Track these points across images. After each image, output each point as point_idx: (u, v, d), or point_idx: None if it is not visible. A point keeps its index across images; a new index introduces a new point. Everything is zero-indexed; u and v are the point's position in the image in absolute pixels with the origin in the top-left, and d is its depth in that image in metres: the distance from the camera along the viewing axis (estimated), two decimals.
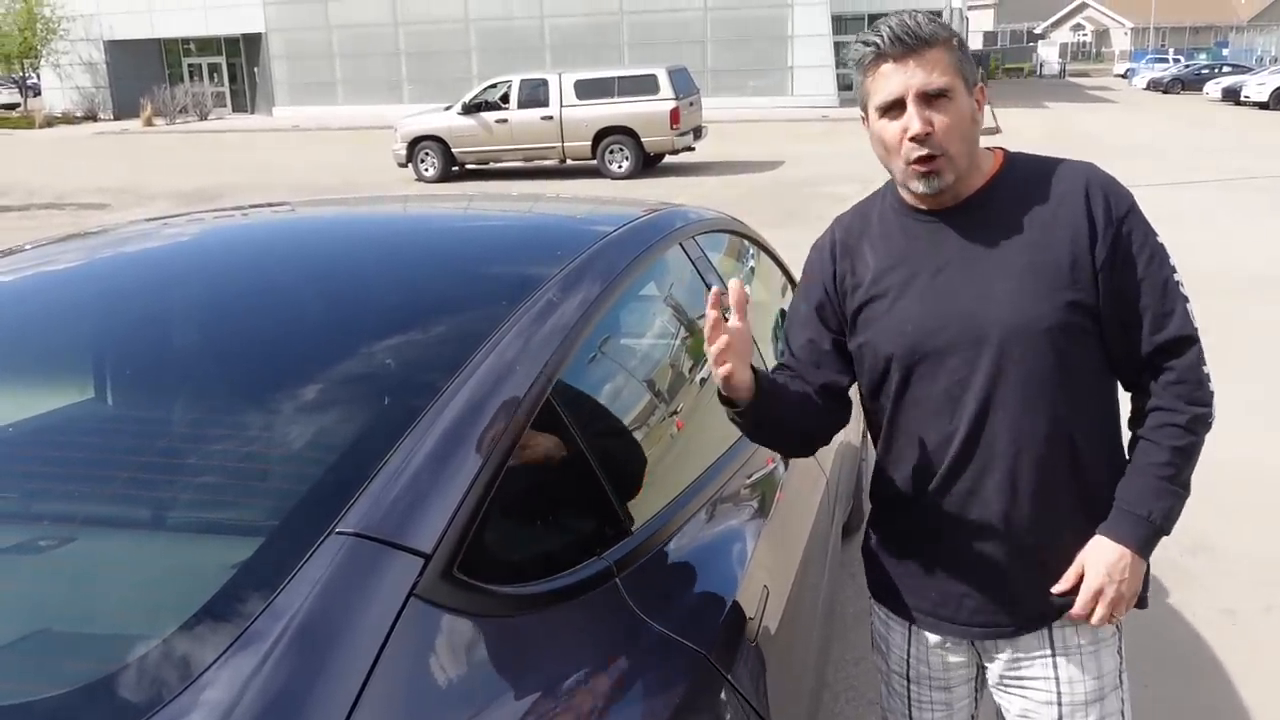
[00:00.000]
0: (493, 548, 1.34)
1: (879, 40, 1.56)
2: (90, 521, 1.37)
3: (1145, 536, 1.63)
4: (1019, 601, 1.71)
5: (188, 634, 1.12)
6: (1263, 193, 13.62)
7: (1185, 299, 1.63)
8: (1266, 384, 6.09)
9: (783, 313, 3.16)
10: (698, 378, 2.37)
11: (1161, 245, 1.63)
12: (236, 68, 38.56)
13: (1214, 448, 5.42)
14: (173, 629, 1.12)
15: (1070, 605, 1.66)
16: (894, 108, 1.57)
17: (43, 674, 1.12)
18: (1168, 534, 1.65)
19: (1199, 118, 28.52)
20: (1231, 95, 34.19)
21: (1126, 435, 1.72)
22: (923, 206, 1.66)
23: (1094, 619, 1.64)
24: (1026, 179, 1.65)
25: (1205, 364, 1.63)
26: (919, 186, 1.60)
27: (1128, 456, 1.69)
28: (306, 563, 1.16)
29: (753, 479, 2.14)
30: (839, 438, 3.02)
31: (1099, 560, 1.63)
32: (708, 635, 1.53)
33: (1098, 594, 1.62)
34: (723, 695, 1.50)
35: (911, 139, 1.56)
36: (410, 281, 1.95)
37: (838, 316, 1.75)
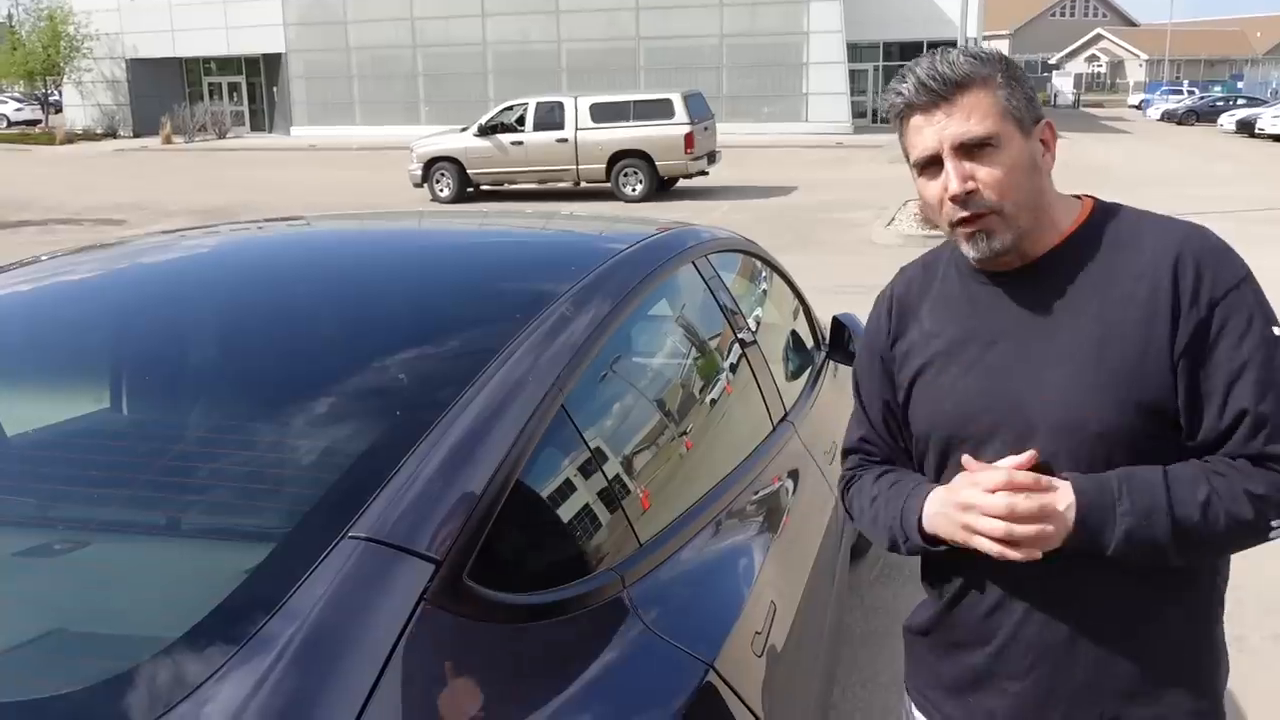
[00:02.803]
0: (503, 556, 1.35)
1: (905, 89, 1.36)
2: (107, 526, 1.40)
3: (1097, 505, 1.29)
4: None
5: (199, 636, 1.13)
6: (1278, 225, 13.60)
7: None
8: None
9: (794, 334, 3.18)
10: (708, 397, 2.38)
11: (1276, 339, 1.31)
12: (256, 87, 38.91)
13: None
14: (184, 631, 1.14)
15: None
16: (932, 164, 1.36)
17: (56, 673, 1.14)
18: (1107, 542, 1.29)
19: (1213, 150, 28.52)
20: (1246, 127, 34.18)
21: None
22: (985, 267, 1.42)
23: (1011, 529, 1.29)
24: (1116, 239, 1.38)
25: None
26: (970, 251, 1.37)
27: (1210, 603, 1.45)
28: (318, 566, 1.18)
29: (760, 496, 2.15)
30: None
31: (1069, 493, 1.31)
32: (714, 648, 1.54)
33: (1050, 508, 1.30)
34: (729, 709, 1.51)
35: (952, 199, 1.34)
36: (425, 295, 1.97)
37: (893, 379, 1.53)
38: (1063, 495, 1.30)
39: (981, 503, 1.29)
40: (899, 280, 1.58)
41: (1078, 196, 1.47)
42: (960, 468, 1.38)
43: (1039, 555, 1.29)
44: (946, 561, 1.45)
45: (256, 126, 39.02)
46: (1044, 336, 1.37)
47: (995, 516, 1.28)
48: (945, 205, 1.36)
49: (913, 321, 1.51)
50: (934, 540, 1.39)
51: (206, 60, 38.74)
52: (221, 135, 36.22)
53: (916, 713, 1.61)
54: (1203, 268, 1.32)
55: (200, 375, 1.71)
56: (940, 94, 1.33)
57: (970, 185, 1.33)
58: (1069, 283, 1.37)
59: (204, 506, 1.41)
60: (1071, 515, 1.29)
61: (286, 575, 1.18)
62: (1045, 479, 1.31)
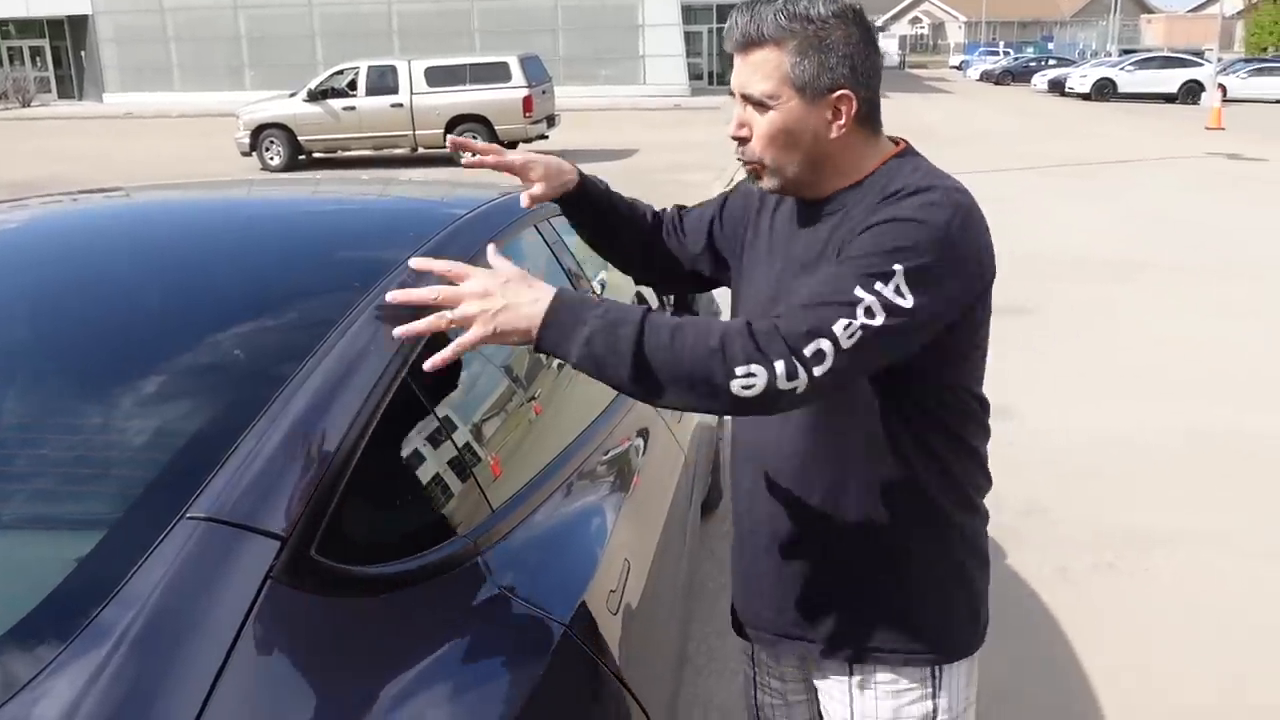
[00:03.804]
0: (351, 529, 1.33)
1: (727, 30, 1.49)
2: None
3: (563, 314, 1.32)
4: (781, 609, 1.66)
5: (26, 631, 1.07)
6: (1084, 179, 14.45)
7: (834, 322, 1.30)
8: (1088, 358, 6.48)
9: (639, 295, 3.20)
10: (553, 361, 2.38)
11: (889, 272, 1.32)
12: (62, 51, 36.51)
13: (1043, 416, 5.77)
14: (10, 625, 1.07)
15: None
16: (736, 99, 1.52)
17: None
18: (571, 347, 1.31)
19: (1027, 108, 30.00)
20: (1057, 87, 36.08)
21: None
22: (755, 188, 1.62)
23: (420, 294, 1.37)
24: (883, 187, 1.45)
25: (785, 362, 1.28)
26: (750, 181, 1.59)
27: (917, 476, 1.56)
28: (155, 549, 1.13)
29: (610, 457, 2.16)
30: (697, 419, 3.08)
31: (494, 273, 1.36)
32: (570, 609, 1.55)
33: (459, 279, 1.36)
34: (587, 668, 1.53)
35: (730, 137, 1.50)
36: (259, 266, 1.90)
37: (716, 239, 1.76)
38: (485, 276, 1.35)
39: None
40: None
41: (895, 141, 1.55)
42: None
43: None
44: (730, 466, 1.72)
45: (65, 94, 36.67)
46: (811, 260, 1.49)
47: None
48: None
49: (759, 213, 1.66)
50: None
51: (3, 22, 36.09)
52: (26, 104, 33.90)
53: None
54: (890, 210, 1.38)
55: (18, 358, 1.61)
56: (738, 44, 1.45)
57: (744, 132, 1.48)
58: (838, 219, 1.47)
59: (26, 495, 1.33)
60: (515, 310, 1.32)
61: (121, 561, 1.12)
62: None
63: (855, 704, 1.65)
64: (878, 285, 1.31)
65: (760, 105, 1.44)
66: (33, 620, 1.08)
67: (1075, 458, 4.88)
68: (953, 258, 1.37)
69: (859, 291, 1.31)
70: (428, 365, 1.37)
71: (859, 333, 1.30)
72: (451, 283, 1.37)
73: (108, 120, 28.40)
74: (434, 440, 1.61)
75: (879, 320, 1.31)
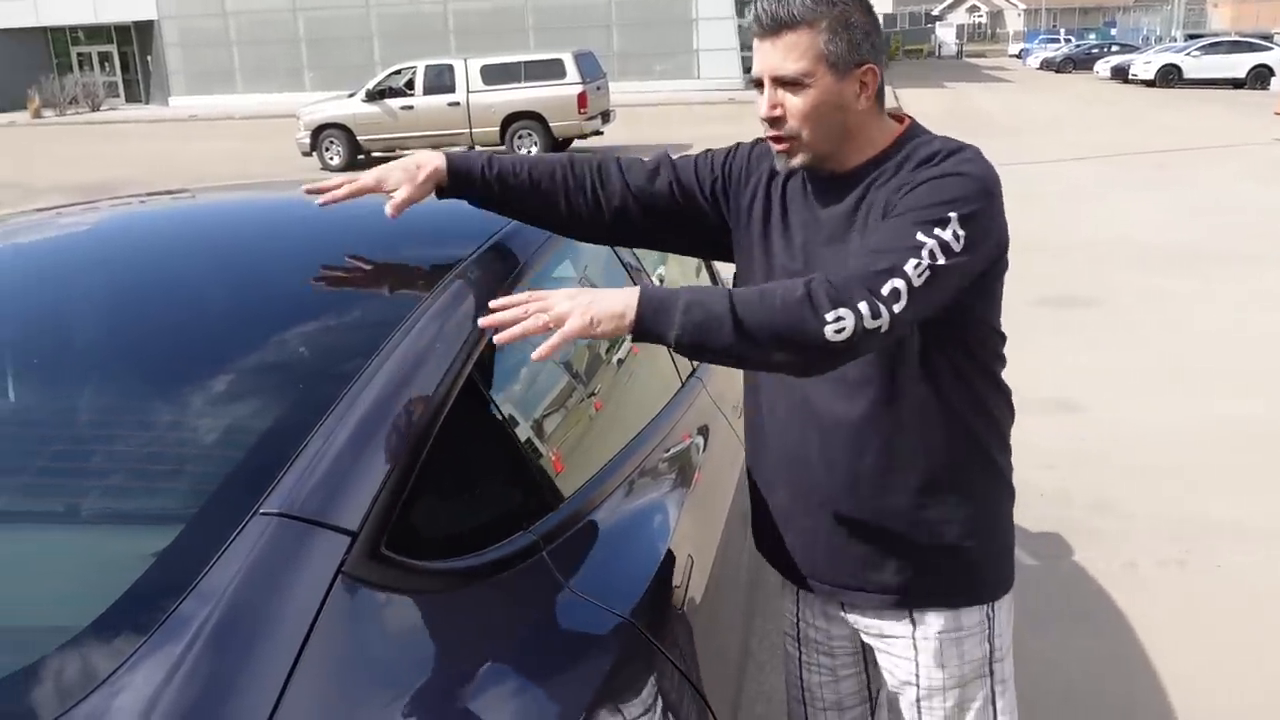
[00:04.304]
0: (420, 524, 1.34)
1: (755, 16, 1.58)
2: (3, 515, 1.34)
3: (654, 302, 1.42)
4: (833, 560, 1.72)
5: (106, 625, 1.10)
6: (1152, 168, 14.14)
7: (898, 272, 1.41)
8: (1159, 350, 6.34)
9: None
10: (615, 356, 2.39)
11: (944, 218, 1.45)
12: (129, 56, 37.34)
13: (1110, 409, 5.65)
14: (91, 620, 1.10)
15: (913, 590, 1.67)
16: (760, 84, 1.59)
17: None
18: (671, 330, 1.41)
19: (1089, 96, 29.42)
20: (1120, 73, 35.31)
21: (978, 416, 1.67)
22: (779, 169, 1.66)
23: (508, 311, 1.46)
24: (906, 159, 1.57)
25: (869, 304, 1.39)
26: (777, 163, 1.63)
27: (966, 434, 1.64)
28: (230, 545, 1.15)
29: (672, 453, 2.16)
30: None
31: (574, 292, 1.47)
32: (635, 604, 1.55)
33: (533, 298, 1.46)
34: (653, 663, 1.53)
35: (762, 119, 1.58)
36: (325, 264, 1.93)
37: (706, 193, 1.76)
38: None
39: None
40: (763, 145, 1.74)
41: (900, 119, 1.66)
42: None
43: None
44: (751, 435, 1.80)
45: (132, 98, 37.49)
46: (841, 231, 1.59)
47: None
48: (762, 122, 1.58)
49: (768, 183, 1.71)
50: None
51: (73, 29, 37.00)
52: (95, 108, 34.69)
53: (771, 572, 1.93)
54: (926, 172, 1.51)
55: (95, 358, 1.64)
56: (769, 28, 1.53)
57: (777, 112, 1.55)
58: (864, 191, 1.58)
59: (106, 491, 1.36)
60: (611, 313, 1.42)
61: (197, 557, 1.15)
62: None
63: (920, 655, 1.71)
64: (936, 230, 1.44)
65: (795, 84, 1.53)
66: (113, 615, 1.11)
67: (1142, 452, 4.78)
68: (993, 204, 1.53)
69: (921, 237, 1.44)
70: (535, 355, 1.41)
71: (927, 272, 1.43)
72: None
73: (173, 123, 29.00)
74: (498, 436, 1.62)
75: (942, 260, 1.44)
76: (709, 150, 1.83)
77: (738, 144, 1.82)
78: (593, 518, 1.69)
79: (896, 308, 1.40)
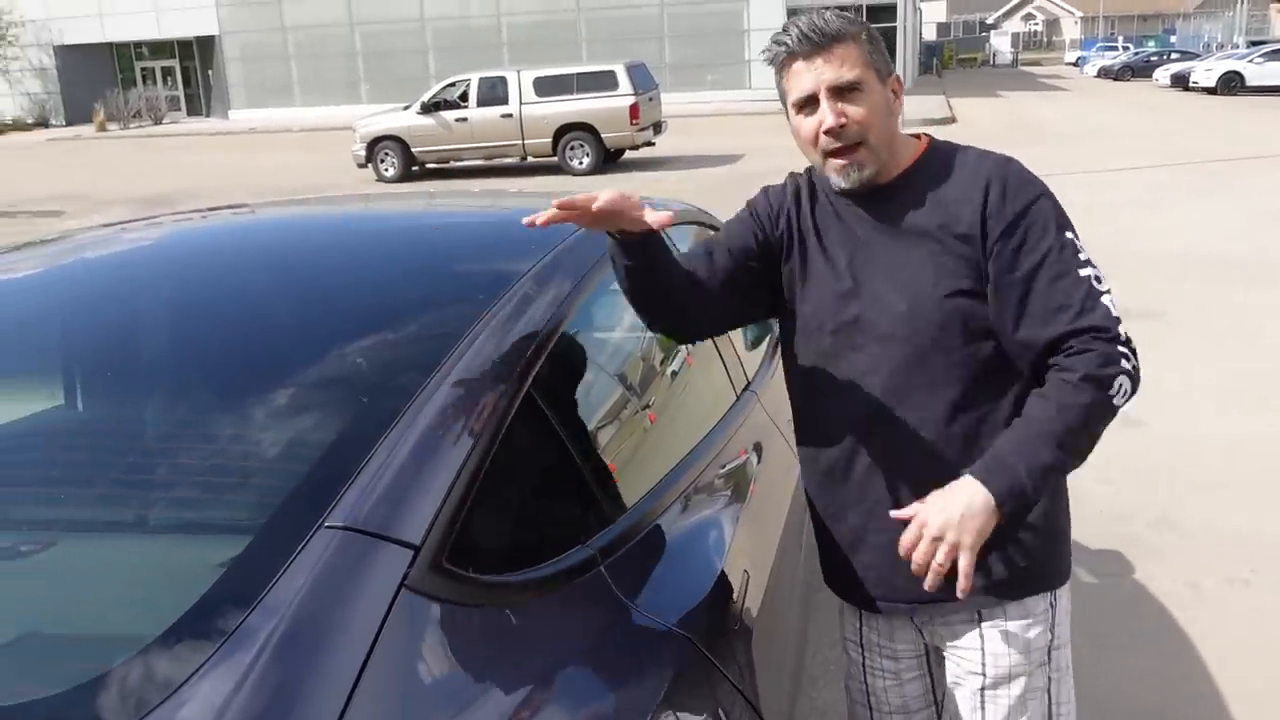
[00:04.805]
0: (480, 538, 1.35)
1: (788, 40, 1.62)
2: (73, 527, 1.37)
3: (1004, 485, 1.53)
4: (915, 577, 1.67)
5: (177, 635, 1.12)
6: (1210, 177, 13.86)
7: (1095, 294, 1.58)
8: (1223, 362, 6.21)
9: None
10: (670, 370, 2.39)
11: (1069, 241, 1.61)
12: (190, 70, 38.11)
13: (1173, 424, 5.51)
14: (161, 630, 1.12)
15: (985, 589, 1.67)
16: (809, 104, 1.63)
17: (30, 678, 1.12)
18: (1031, 496, 1.56)
19: (1148, 104, 28.94)
20: (1180, 81, 34.69)
21: None
22: (845, 185, 1.69)
23: (916, 557, 1.54)
24: (943, 169, 1.68)
25: (1119, 345, 1.56)
26: (840, 182, 1.66)
27: None
28: (296, 558, 1.17)
29: (727, 468, 2.16)
30: None
31: (944, 497, 1.55)
32: (692, 619, 1.55)
33: (922, 527, 1.54)
34: (710, 678, 1.53)
35: (826, 133, 1.61)
36: (385, 279, 1.95)
37: (766, 247, 1.77)
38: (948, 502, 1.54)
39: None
40: (796, 179, 1.82)
41: (916, 136, 1.75)
42: (825, 361, 1.72)
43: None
44: (814, 455, 1.79)
45: (194, 111, 38.25)
46: (890, 246, 1.66)
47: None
48: (821, 139, 1.62)
49: (799, 213, 1.76)
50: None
51: (138, 44, 37.86)
52: (158, 121, 35.46)
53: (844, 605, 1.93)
54: (1007, 188, 1.62)
55: (161, 370, 1.68)
56: (819, 44, 1.60)
57: (843, 120, 1.60)
58: (909, 203, 1.66)
59: (174, 503, 1.39)
60: (982, 515, 1.53)
61: (263, 569, 1.17)
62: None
63: (987, 646, 1.74)
64: (1080, 254, 1.61)
65: (852, 92, 1.61)
66: (182, 625, 1.13)
67: (1206, 467, 4.68)
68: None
69: (1083, 271, 1.60)
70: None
71: (1100, 283, 1.61)
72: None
73: (232, 136, 29.55)
74: (556, 450, 1.63)
75: (1098, 271, 1.62)
76: (747, 205, 1.85)
77: (752, 199, 1.84)
78: (650, 532, 1.70)
79: (1123, 328, 1.58)
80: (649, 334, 2.39)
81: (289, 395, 1.57)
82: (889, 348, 1.65)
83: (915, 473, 1.67)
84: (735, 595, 1.76)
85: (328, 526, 1.21)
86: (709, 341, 2.45)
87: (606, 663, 1.39)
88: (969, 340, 1.63)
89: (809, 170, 1.80)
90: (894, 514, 1.59)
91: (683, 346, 2.46)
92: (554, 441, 1.62)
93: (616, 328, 2.24)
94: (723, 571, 1.76)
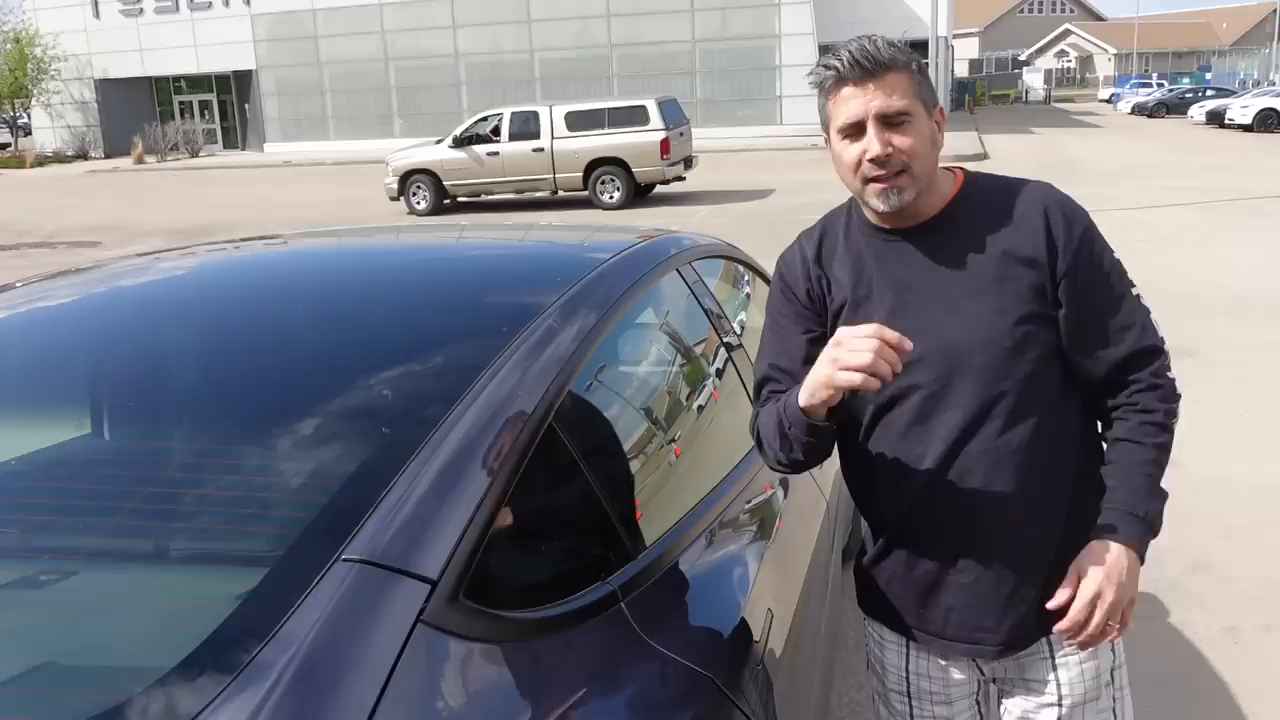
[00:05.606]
0: (498, 573, 1.34)
1: (839, 64, 1.60)
2: (92, 555, 1.37)
3: (1141, 536, 1.63)
4: (1006, 616, 1.71)
5: (192, 666, 1.11)
6: (1245, 215, 13.73)
7: (1146, 311, 1.69)
8: (1260, 403, 6.11)
9: None
10: (696, 404, 2.37)
11: (1118, 261, 1.69)
12: (228, 104, 38.78)
13: (1208, 465, 5.43)
14: (177, 661, 1.11)
15: (1063, 616, 1.64)
16: (854, 130, 1.61)
17: (45, 708, 1.11)
18: (1156, 536, 1.66)
19: (1183, 141, 28.77)
20: (1216, 118, 34.49)
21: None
22: (886, 226, 1.69)
23: (1090, 626, 1.60)
24: (987, 199, 1.69)
25: (1171, 370, 1.69)
26: (879, 205, 1.63)
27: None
28: (312, 590, 1.16)
29: (752, 504, 2.14)
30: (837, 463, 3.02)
31: (1097, 564, 1.61)
32: (714, 658, 1.53)
33: (1095, 598, 1.59)
34: (731, 718, 1.50)
35: (871, 160, 1.59)
36: (409, 311, 1.96)
37: (820, 318, 1.76)
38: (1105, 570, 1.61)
39: (850, 336, 1.49)
40: (805, 241, 1.81)
41: (950, 169, 1.74)
42: (894, 400, 1.67)
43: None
44: (883, 494, 1.75)
45: (229, 144, 38.88)
46: (949, 278, 1.66)
47: (862, 352, 1.47)
48: (864, 165, 1.61)
49: (828, 272, 1.75)
50: (809, 412, 1.58)
51: (176, 79, 38.58)
52: (194, 154, 36.04)
53: (885, 633, 1.87)
54: (1065, 213, 1.66)
55: (185, 399, 1.69)
56: (870, 71, 1.59)
57: (889, 149, 1.59)
58: (961, 233, 1.67)
59: (193, 533, 1.39)
60: (1135, 569, 1.62)
61: (280, 601, 1.16)
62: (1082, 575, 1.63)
63: (1061, 676, 1.75)
64: (1127, 274, 1.69)
65: (900, 121, 1.59)
66: (198, 657, 1.12)
67: (1243, 509, 4.58)
68: None
69: (1134, 290, 1.69)
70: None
71: (1140, 296, 1.70)
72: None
73: (267, 168, 29.96)
74: (578, 485, 1.61)
75: (1136, 288, 1.71)
76: (772, 299, 1.83)
77: (771, 279, 1.86)
78: (672, 569, 1.67)
79: (1163, 335, 1.69)
80: (674, 368, 2.38)
81: (310, 426, 1.56)
82: (961, 380, 1.63)
83: (1002, 507, 1.65)
84: (758, 634, 1.73)
85: (345, 559, 1.20)
86: (734, 375, 2.44)
87: (626, 702, 1.36)
88: (1040, 364, 1.64)
89: (820, 226, 1.80)
90: (1051, 605, 1.63)
91: (708, 380, 2.45)
92: (576, 475, 1.61)
93: (641, 361, 2.23)
94: (746, 610, 1.74)
